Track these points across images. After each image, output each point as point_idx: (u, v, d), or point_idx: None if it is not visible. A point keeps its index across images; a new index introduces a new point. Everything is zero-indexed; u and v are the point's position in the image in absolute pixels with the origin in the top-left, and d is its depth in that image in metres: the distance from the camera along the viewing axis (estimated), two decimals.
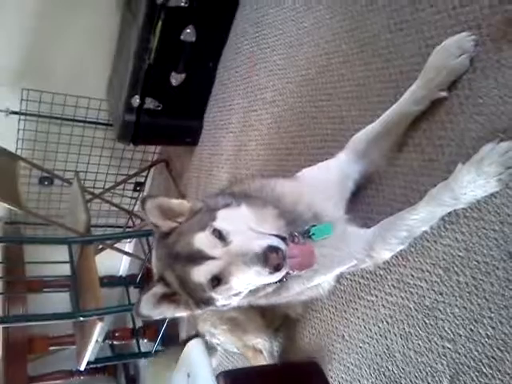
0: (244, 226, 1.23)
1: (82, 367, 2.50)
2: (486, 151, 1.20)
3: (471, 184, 1.21)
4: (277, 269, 1.13)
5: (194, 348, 1.56)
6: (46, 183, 3.63)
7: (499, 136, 1.20)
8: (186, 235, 1.26)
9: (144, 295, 1.30)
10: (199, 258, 1.21)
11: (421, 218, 1.33)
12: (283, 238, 1.21)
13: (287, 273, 1.19)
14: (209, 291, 1.23)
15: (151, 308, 1.31)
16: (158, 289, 1.32)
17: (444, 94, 1.35)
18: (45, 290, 3.29)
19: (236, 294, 1.26)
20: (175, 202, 1.35)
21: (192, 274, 1.22)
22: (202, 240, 1.22)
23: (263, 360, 1.85)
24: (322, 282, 1.55)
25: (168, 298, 1.33)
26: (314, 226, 1.35)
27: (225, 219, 1.25)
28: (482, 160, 1.20)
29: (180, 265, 1.25)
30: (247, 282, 1.21)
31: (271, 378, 1.70)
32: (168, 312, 1.34)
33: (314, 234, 1.33)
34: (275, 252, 1.13)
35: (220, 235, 1.21)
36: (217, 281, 1.20)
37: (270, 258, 1.12)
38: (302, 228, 1.34)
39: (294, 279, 1.37)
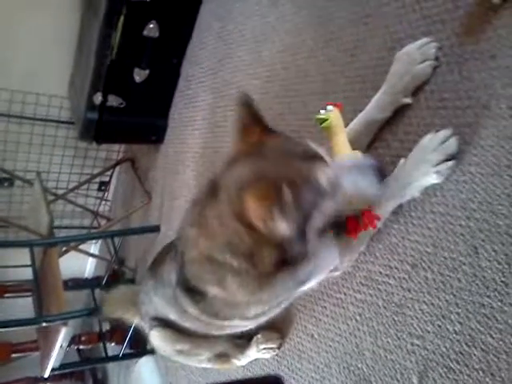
0: None
1: (46, 374, 2.42)
2: (426, 140, 1.24)
3: (415, 172, 1.25)
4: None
5: (144, 367, 1.48)
6: (6, 184, 3.52)
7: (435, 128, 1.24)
8: None
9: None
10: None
11: None
12: None
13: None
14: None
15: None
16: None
17: (408, 100, 1.33)
18: (6, 295, 3.19)
19: None
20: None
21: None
22: None
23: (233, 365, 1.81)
24: None
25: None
26: None
27: None
28: (424, 149, 1.24)
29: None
30: None
31: None
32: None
33: None
34: None
35: None
36: None
37: None
38: None
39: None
